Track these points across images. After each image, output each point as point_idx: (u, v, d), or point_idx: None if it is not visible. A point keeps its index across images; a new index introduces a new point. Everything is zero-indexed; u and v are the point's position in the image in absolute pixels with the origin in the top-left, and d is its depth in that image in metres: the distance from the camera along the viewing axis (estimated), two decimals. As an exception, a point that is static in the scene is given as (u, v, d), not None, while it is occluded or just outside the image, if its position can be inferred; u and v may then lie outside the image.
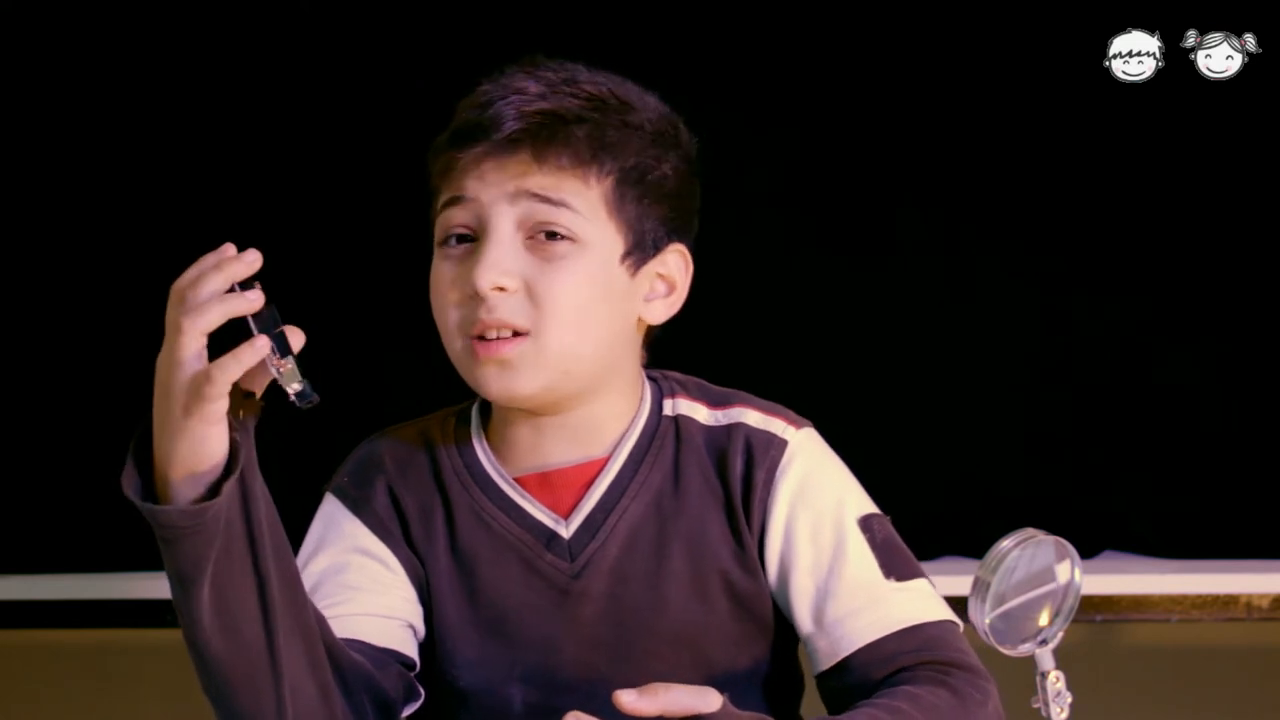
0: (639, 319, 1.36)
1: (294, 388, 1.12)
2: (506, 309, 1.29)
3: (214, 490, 1.14)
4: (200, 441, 1.12)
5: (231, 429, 1.13)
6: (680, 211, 1.37)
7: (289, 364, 1.12)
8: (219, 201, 2.50)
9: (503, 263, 1.29)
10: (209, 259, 1.13)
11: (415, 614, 1.36)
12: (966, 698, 1.26)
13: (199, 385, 1.09)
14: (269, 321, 1.12)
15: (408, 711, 1.34)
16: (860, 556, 1.33)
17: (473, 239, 1.32)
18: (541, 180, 1.29)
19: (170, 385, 1.11)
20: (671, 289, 1.37)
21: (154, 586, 2.50)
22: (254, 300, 1.11)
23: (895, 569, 1.33)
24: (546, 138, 1.29)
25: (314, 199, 2.49)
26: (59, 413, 2.53)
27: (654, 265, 1.35)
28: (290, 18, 2.47)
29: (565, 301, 1.29)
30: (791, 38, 2.44)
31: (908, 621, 1.30)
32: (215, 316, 1.10)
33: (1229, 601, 2.45)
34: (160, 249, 2.48)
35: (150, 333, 2.69)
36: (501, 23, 2.43)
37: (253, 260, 1.12)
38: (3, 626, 2.57)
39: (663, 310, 1.37)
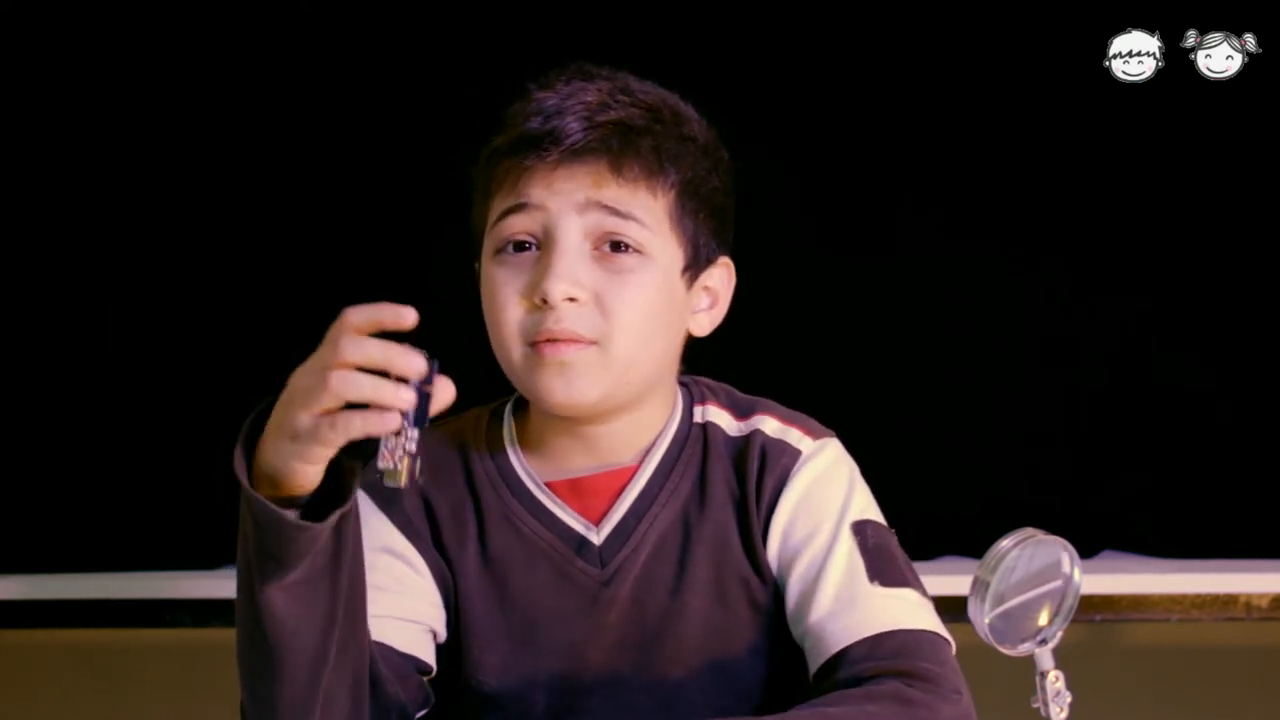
0: (688, 331, 1.37)
1: (396, 481, 1.09)
2: (574, 319, 1.28)
3: (313, 509, 1.13)
4: (292, 472, 1.11)
5: (344, 463, 1.12)
6: (726, 224, 1.38)
7: (406, 444, 1.08)
8: (219, 203, 2.50)
9: (574, 273, 1.28)
10: (383, 315, 1.09)
11: (438, 617, 1.36)
12: (915, 705, 1.23)
13: (317, 430, 1.08)
14: (419, 382, 1.09)
15: (419, 716, 1.34)
16: (846, 560, 1.32)
17: (531, 246, 1.31)
18: (615, 192, 1.29)
19: (292, 409, 1.09)
20: (715, 301, 1.38)
21: (154, 586, 2.50)
22: (406, 399, 1.07)
23: (881, 574, 1.32)
24: (619, 148, 1.29)
25: (319, 199, 2.49)
26: (59, 413, 2.53)
27: (704, 278, 1.37)
28: (290, 18, 2.46)
29: (634, 314, 1.29)
30: (793, 38, 2.44)
31: (883, 627, 1.29)
32: (362, 394, 1.07)
33: (1229, 601, 2.45)
34: (160, 250, 2.50)
35: (149, 334, 2.70)
36: (503, 29, 2.43)
37: (408, 320, 1.09)
38: (3, 626, 2.57)
39: (707, 322, 1.39)
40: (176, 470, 2.46)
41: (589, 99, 1.30)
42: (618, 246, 1.29)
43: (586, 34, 2.39)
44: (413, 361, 1.07)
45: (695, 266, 1.35)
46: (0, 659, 2.70)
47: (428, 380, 1.09)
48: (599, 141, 1.29)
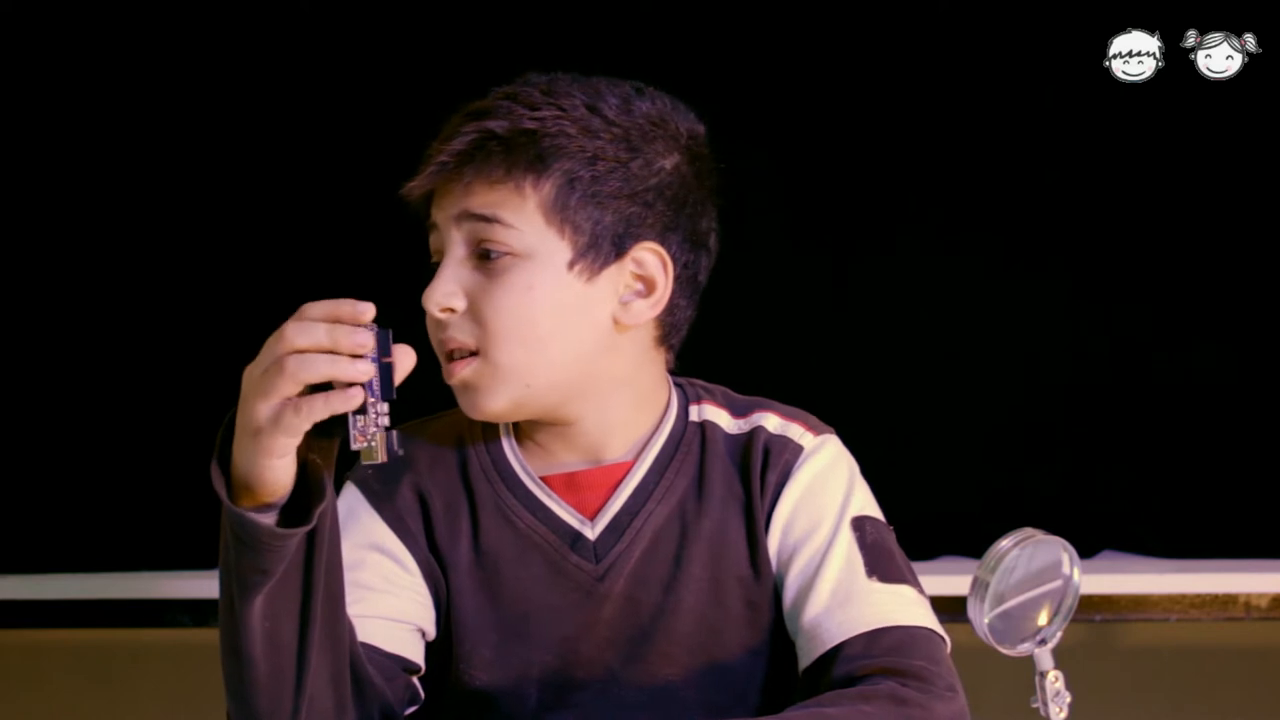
0: (616, 322, 1.33)
1: (374, 459, 1.08)
2: (456, 329, 1.30)
3: (292, 515, 1.13)
4: (263, 470, 1.10)
5: (313, 458, 1.12)
6: (653, 209, 1.32)
7: (377, 419, 1.08)
8: (220, 204, 2.50)
9: (447, 285, 1.30)
10: (340, 310, 1.09)
11: (426, 616, 1.35)
12: (909, 704, 1.23)
13: (280, 419, 1.07)
14: (377, 349, 1.08)
15: (407, 713, 1.34)
16: (845, 555, 1.33)
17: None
18: (477, 199, 1.30)
19: (250, 402, 1.08)
20: (651, 288, 1.34)
21: (154, 586, 2.50)
22: (364, 371, 1.08)
23: (879, 570, 1.32)
24: (474, 154, 1.29)
25: (319, 201, 2.49)
26: (60, 413, 2.53)
27: (625, 266, 1.32)
28: (289, 18, 2.46)
29: (506, 317, 1.29)
30: (793, 38, 2.44)
31: (879, 623, 1.29)
32: (319, 376, 1.08)
33: (1228, 601, 2.45)
34: (161, 251, 2.50)
35: (149, 334, 2.69)
36: (500, 29, 2.43)
37: (366, 317, 1.09)
38: (3, 626, 2.57)
39: (644, 311, 1.34)
40: (176, 470, 2.45)
41: (485, 110, 1.31)
42: (489, 252, 1.30)
43: (584, 34, 2.39)
44: (358, 338, 1.08)
45: (593, 254, 1.30)
46: (0, 659, 2.70)
47: (385, 352, 1.09)
48: (459, 154, 1.30)
